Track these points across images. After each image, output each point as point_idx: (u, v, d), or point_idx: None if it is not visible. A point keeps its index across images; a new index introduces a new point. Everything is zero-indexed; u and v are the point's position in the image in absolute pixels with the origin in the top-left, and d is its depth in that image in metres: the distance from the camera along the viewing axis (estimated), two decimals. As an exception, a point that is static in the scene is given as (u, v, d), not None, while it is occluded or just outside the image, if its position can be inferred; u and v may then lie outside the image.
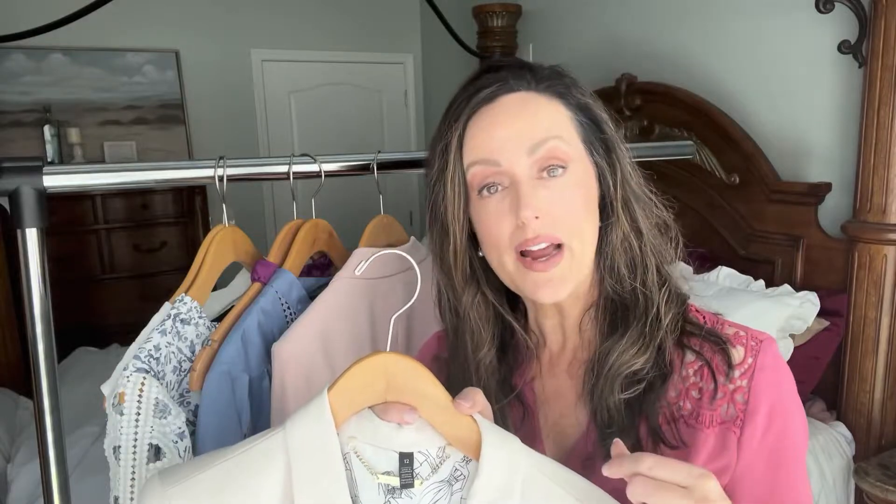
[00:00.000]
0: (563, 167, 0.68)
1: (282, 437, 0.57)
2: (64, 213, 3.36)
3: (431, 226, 0.75)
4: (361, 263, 0.67)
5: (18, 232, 0.91)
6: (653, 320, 0.70)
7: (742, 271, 2.13)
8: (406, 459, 0.59)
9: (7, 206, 0.91)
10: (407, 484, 0.59)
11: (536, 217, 0.66)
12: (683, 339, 0.71)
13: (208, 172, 1.06)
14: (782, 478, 0.68)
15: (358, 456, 0.59)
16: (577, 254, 0.69)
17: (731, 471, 0.67)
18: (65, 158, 3.59)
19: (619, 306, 0.73)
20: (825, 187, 2.04)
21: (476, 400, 0.61)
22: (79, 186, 0.98)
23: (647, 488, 0.54)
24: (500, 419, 0.72)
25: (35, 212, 0.91)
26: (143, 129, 3.85)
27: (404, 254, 0.69)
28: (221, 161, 1.06)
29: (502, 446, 0.59)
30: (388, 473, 0.59)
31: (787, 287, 2.00)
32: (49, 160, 3.49)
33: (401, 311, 0.66)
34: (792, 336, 1.92)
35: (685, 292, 0.75)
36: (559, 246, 0.68)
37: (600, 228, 0.72)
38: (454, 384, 0.76)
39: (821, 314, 1.93)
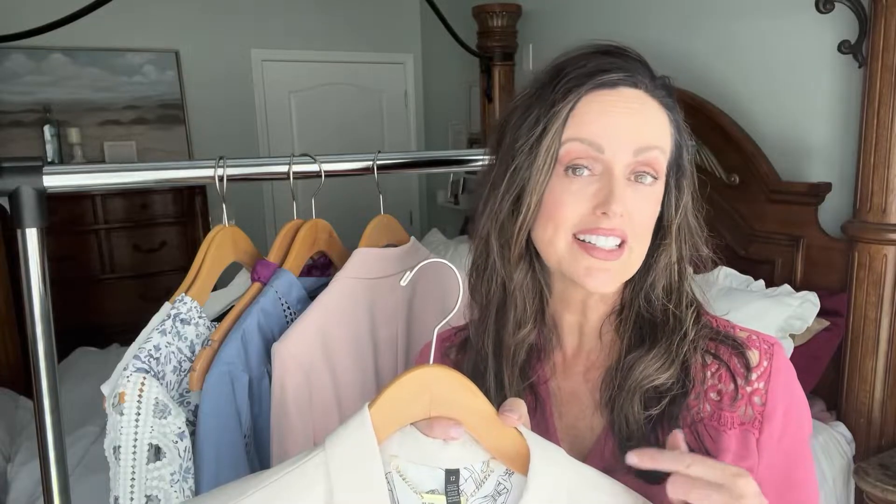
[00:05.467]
0: (654, 178, 0.68)
1: (322, 458, 0.55)
2: (64, 213, 3.36)
3: (504, 193, 0.71)
4: (407, 274, 0.65)
5: (18, 232, 0.91)
6: (680, 338, 0.70)
7: (742, 271, 2.13)
8: (452, 476, 0.57)
9: (7, 206, 0.91)
10: (454, 502, 0.57)
11: (621, 215, 0.66)
12: (700, 340, 0.72)
13: (208, 172, 1.06)
14: (797, 475, 0.71)
15: (401, 475, 0.58)
16: (633, 257, 0.69)
17: (755, 472, 0.68)
18: (65, 158, 3.59)
19: (646, 322, 0.73)
20: (825, 187, 2.04)
21: (522, 412, 0.60)
22: (79, 186, 0.98)
23: (686, 486, 0.56)
24: None
25: (35, 212, 0.91)
26: (143, 129, 3.85)
27: (447, 263, 0.68)
28: (221, 161, 1.06)
29: (549, 459, 0.58)
30: (433, 492, 0.58)
31: (787, 287, 2.00)
32: (49, 160, 3.49)
33: (442, 322, 0.65)
34: (792, 336, 1.92)
35: (698, 297, 0.75)
36: (621, 244, 0.68)
37: (650, 247, 0.72)
38: (469, 370, 0.76)
39: (821, 314, 1.93)
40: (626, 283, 0.74)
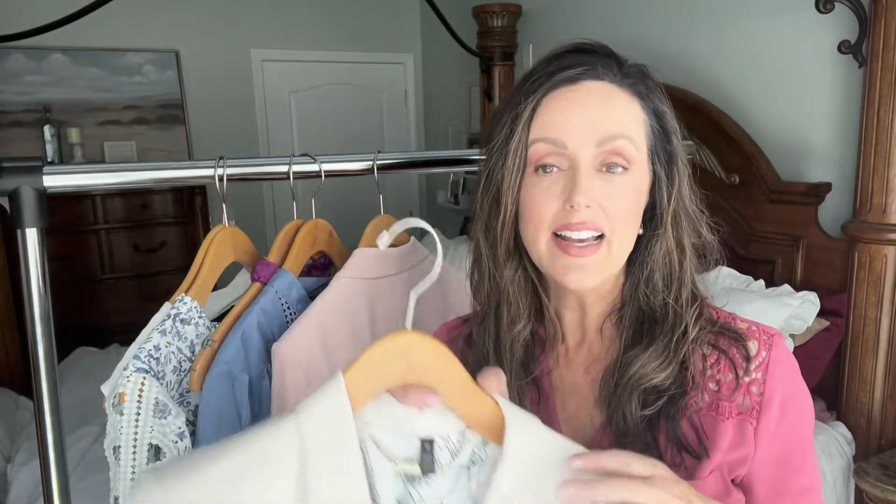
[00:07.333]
0: (624, 167, 0.69)
1: (294, 425, 0.53)
2: (64, 213, 3.36)
3: (483, 195, 0.74)
4: (384, 235, 0.65)
5: (18, 232, 0.91)
6: (679, 337, 0.70)
7: (742, 271, 2.13)
8: (427, 445, 0.56)
9: (7, 206, 0.91)
10: (429, 470, 0.56)
11: (587, 206, 0.67)
12: (700, 338, 0.72)
13: (208, 172, 1.06)
14: (794, 463, 0.71)
15: (375, 443, 0.56)
16: (613, 250, 0.69)
17: (750, 461, 0.69)
18: (65, 158, 3.59)
19: (646, 317, 0.73)
20: (825, 187, 2.04)
21: (502, 379, 0.60)
22: (79, 186, 0.98)
23: (629, 486, 0.55)
24: (518, 399, 0.73)
25: (35, 212, 0.91)
26: (143, 129, 3.85)
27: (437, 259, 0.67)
28: (221, 161, 1.06)
29: (526, 429, 0.57)
30: (407, 461, 0.56)
31: (787, 287, 2.00)
32: (49, 160, 3.49)
33: (422, 287, 0.64)
34: (792, 336, 1.92)
35: (702, 291, 0.75)
36: (599, 237, 0.68)
37: (644, 238, 0.73)
38: (474, 368, 0.77)
39: (821, 314, 1.93)
40: (626, 279, 0.74)
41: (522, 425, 0.57)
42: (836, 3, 1.87)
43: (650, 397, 0.69)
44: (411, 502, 0.56)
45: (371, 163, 1.16)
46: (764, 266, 2.16)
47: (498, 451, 0.56)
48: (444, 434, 0.57)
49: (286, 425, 0.53)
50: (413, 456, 0.56)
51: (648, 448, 0.68)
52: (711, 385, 0.70)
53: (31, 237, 0.91)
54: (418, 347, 0.56)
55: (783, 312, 1.89)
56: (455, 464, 0.57)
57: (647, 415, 0.68)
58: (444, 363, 0.57)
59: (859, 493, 1.79)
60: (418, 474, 0.56)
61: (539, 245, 0.70)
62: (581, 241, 0.68)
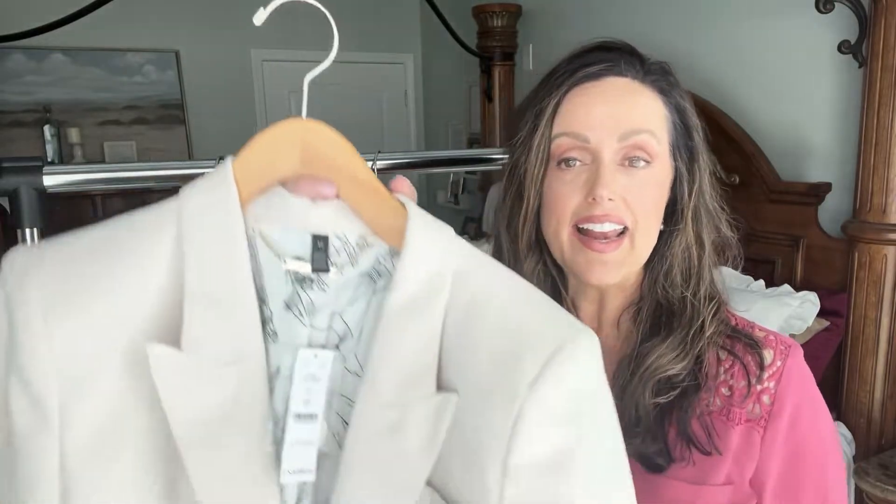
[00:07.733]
0: (647, 161, 0.69)
1: (175, 208, 0.47)
2: (64, 213, 3.36)
3: (506, 188, 0.75)
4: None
5: (18, 232, 0.91)
6: (696, 331, 0.70)
7: (742, 271, 2.13)
8: (320, 242, 0.49)
9: (7, 206, 0.91)
10: (320, 268, 0.49)
11: (610, 199, 0.67)
12: (716, 337, 0.72)
13: (208, 172, 1.06)
14: (808, 474, 0.71)
15: (264, 239, 0.49)
16: (637, 245, 0.70)
17: (757, 470, 0.69)
18: (65, 158, 3.59)
19: (664, 311, 0.73)
20: (825, 187, 2.04)
21: (411, 185, 0.54)
22: (79, 186, 0.98)
23: None
24: None
25: (35, 212, 0.91)
26: (143, 129, 3.85)
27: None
28: (221, 161, 1.06)
29: (431, 232, 0.50)
30: (297, 259, 0.49)
31: (787, 287, 2.00)
32: (49, 160, 3.49)
33: (315, 72, 0.59)
34: (792, 336, 1.92)
35: (721, 294, 0.75)
36: (622, 232, 0.69)
37: (664, 233, 0.73)
38: None
39: (821, 314, 1.93)
40: (645, 273, 0.74)
41: (428, 227, 0.50)
42: (836, 3, 1.87)
43: (664, 388, 0.69)
44: (300, 305, 0.49)
45: (371, 163, 1.16)
46: (764, 266, 2.16)
47: None
48: (340, 233, 0.50)
49: (167, 205, 0.47)
50: (303, 253, 0.49)
51: (657, 440, 0.68)
52: (724, 390, 0.70)
53: (31, 237, 0.91)
54: (314, 134, 0.50)
55: (783, 312, 1.89)
56: (355, 271, 0.50)
57: (660, 404, 0.68)
58: (343, 154, 0.50)
59: (859, 493, 1.79)
60: (308, 273, 0.49)
61: (561, 238, 0.70)
62: (604, 235, 0.68)
